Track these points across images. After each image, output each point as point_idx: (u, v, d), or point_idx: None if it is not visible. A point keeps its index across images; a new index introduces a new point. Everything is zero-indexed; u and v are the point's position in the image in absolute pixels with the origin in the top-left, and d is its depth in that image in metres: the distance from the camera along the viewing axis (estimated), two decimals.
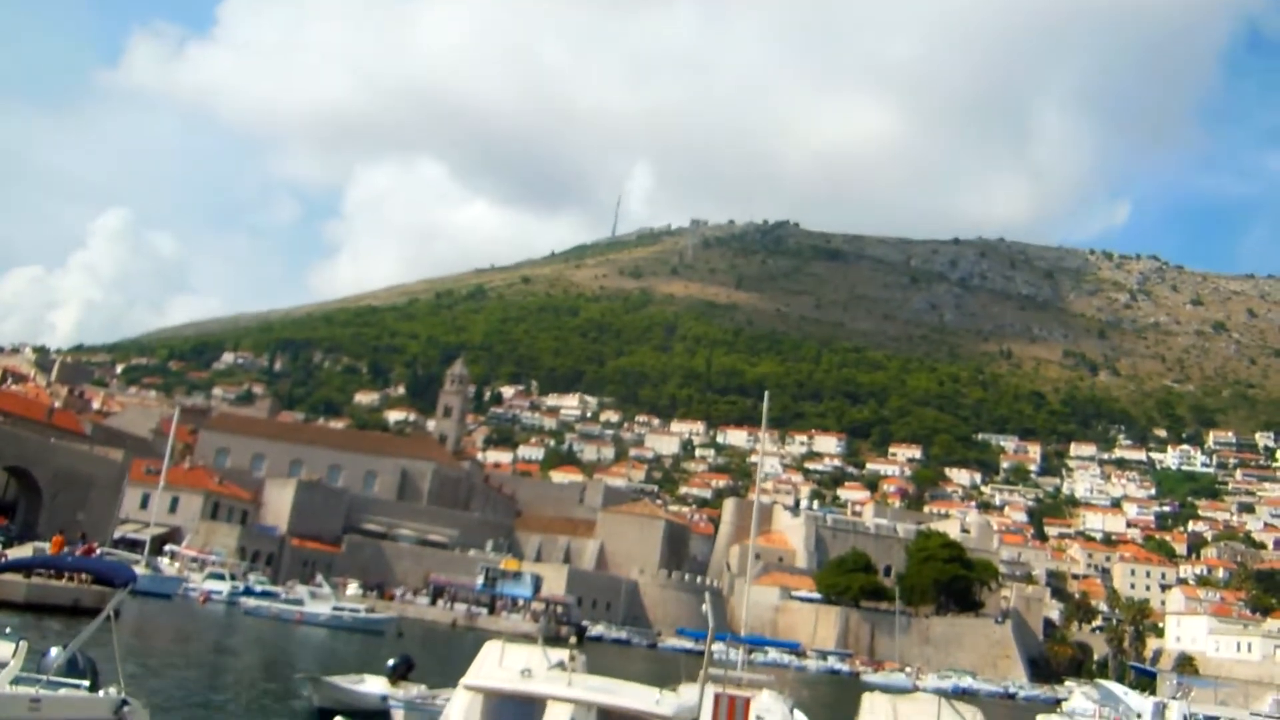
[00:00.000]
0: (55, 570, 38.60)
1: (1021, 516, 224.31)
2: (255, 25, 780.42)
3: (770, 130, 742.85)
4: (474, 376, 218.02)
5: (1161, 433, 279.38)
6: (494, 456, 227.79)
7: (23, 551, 46.59)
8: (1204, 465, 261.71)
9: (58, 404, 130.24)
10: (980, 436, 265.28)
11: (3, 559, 26.29)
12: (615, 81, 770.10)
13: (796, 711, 23.75)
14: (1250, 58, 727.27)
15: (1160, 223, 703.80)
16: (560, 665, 13.45)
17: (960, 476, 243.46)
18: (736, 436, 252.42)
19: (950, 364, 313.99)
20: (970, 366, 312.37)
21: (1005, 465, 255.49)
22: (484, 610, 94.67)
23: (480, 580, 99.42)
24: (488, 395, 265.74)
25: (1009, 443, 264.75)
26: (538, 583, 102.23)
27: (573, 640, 24.39)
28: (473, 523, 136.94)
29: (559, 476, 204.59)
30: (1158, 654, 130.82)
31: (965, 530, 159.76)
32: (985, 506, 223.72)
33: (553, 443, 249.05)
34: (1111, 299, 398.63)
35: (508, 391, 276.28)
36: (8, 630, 15.39)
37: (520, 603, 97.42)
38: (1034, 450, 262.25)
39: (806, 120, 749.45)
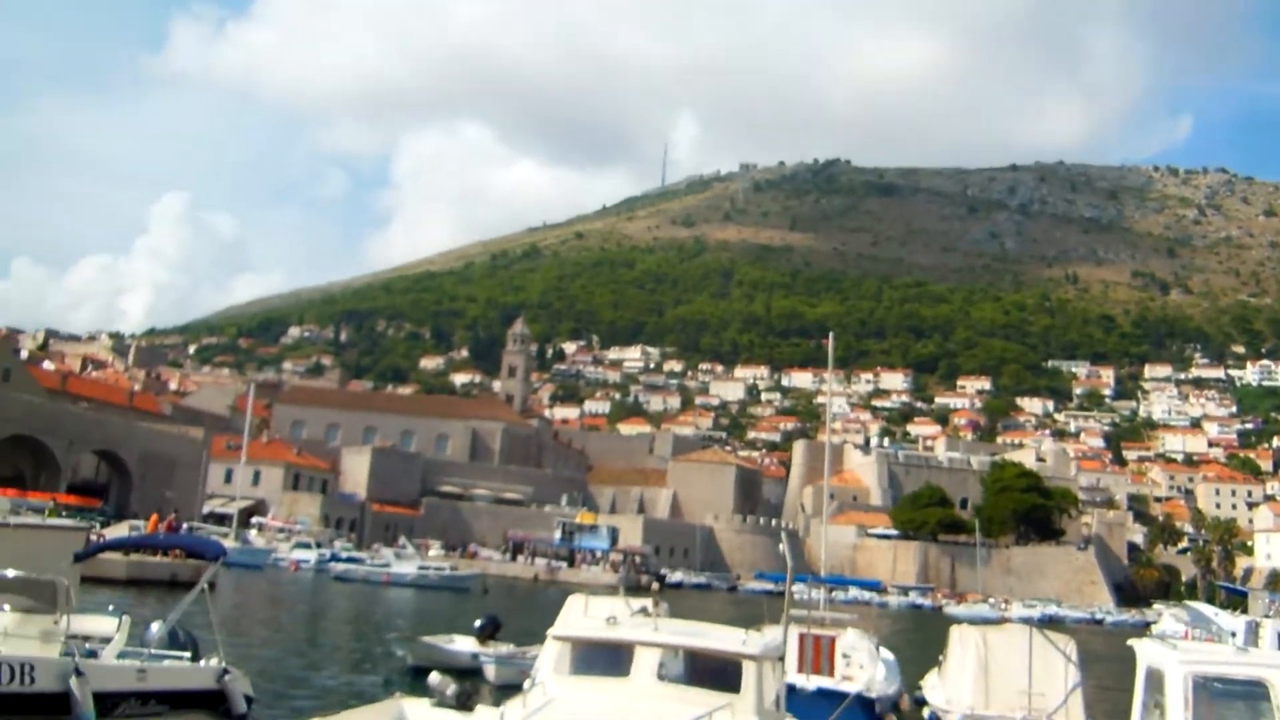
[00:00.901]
0: (149, 548, 39.84)
1: (1098, 442, 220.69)
2: (292, 1, 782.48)
3: (815, 68, 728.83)
4: (535, 335, 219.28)
5: (1239, 349, 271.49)
6: (561, 413, 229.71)
7: (119, 530, 48.14)
8: None
9: (137, 387, 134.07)
10: (1050, 364, 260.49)
11: (100, 539, 27.13)
12: (654, 31, 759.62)
13: (882, 648, 23.69)
14: None
15: (1225, 135, 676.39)
16: (644, 611, 13.48)
17: (1032, 405, 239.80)
18: (801, 378, 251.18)
19: (1015, 292, 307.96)
20: (1036, 293, 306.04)
21: (1078, 391, 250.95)
22: (563, 564, 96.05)
23: (558, 535, 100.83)
24: (550, 352, 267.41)
25: (1080, 368, 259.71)
26: (614, 534, 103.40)
27: (655, 588, 24.55)
28: (545, 479, 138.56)
29: (627, 429, 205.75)
30: (1248, 572, 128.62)
31: (1041, 459, 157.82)
32: (1060, 434, 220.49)
33: (618, 396, 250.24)
34: (1179, 215, 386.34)
35: (570, 348, 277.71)
36: (110, 607, 15.90)
37: (598, 555, 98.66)
38: (1107, 374, 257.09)
39: (851, 56, 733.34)
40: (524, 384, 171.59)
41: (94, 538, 26.77)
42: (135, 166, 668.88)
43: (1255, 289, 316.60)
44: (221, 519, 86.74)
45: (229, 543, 59.54)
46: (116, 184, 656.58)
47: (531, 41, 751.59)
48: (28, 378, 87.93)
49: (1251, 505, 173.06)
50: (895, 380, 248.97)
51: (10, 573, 13.36)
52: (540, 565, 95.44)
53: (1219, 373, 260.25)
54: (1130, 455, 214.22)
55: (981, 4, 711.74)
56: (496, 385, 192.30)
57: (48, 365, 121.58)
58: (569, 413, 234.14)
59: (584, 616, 12.94)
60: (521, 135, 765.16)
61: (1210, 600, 73.20)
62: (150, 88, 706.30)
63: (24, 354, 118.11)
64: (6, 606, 12.28)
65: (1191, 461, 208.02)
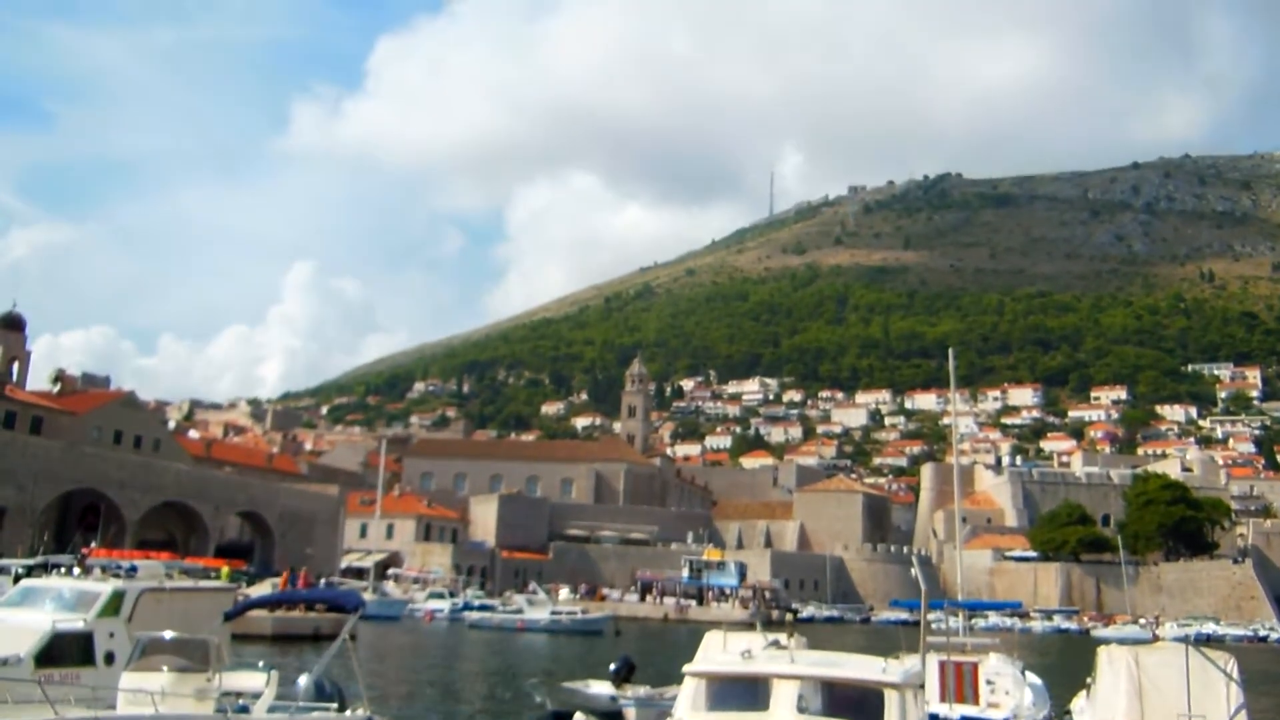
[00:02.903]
0: (292, 603, 41.32)
1: (1249, 447, 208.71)
2: (402, 72, 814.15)
3: (917, 84, 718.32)
4: (652, 374, 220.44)
5: None
6: (683, 450, 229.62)
7: (262, 588, 50.04)
8: None
9: (275, 449, 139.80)
10: (1190, 368, 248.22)
11: (246, 598, 28.28)
12: (751, 63, 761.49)
13: (1028, 673, 22.82)
14: None
15: None
16: (776, 644, 13.38)
17: (1174, 413, 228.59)
18: (925, 400, 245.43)
19: (1146, 295, 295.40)
20: (1169, 295, 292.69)
21: (1223, 395, 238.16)
22: (692, 602, 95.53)
23: (685, 572, 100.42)
24: (668, 390, 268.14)
25: (1224, 370, 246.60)
26: (743, 570, 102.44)
27: (789, 619, 24.22)
28: (670, 517, 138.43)
29: (749, 462, 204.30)
30: None
31: (1187, 468, 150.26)
32: (1206, 441, 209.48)
33: (739, 429, 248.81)
34: None
35: (687, 384, 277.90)
36: (260, 663, 16.52)
37: (728, 591, 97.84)
38: (1253, 375, 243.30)
39: (954, 66, 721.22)
40: (644, 423, 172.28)
41: (239, 597, 27.93)
42: (267, 240, 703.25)
43: None
44: (359, 573, 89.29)
45: (367, 595, 61.25)
46: (251, 258, 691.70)
47: (631, 87, 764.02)
48: (175, 447, 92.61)
49: None
50: (1024, 395, 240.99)
51: (167, 635, 14.04)
52: (669, 604, 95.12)
53: None
54: None
55: (1086, 1, 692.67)
56: (617, 426, 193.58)
57: (193, 434, 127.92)
58: (690, 449, 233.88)
59: (722, 651, 12.92)
60: (628, 180, 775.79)
61: None
62: (277, 166, 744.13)
63: (171, 424, 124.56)
64: (164, 667, 12.89)
65: None
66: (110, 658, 16.53)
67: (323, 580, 68.21)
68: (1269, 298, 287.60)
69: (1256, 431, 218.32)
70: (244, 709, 13.62)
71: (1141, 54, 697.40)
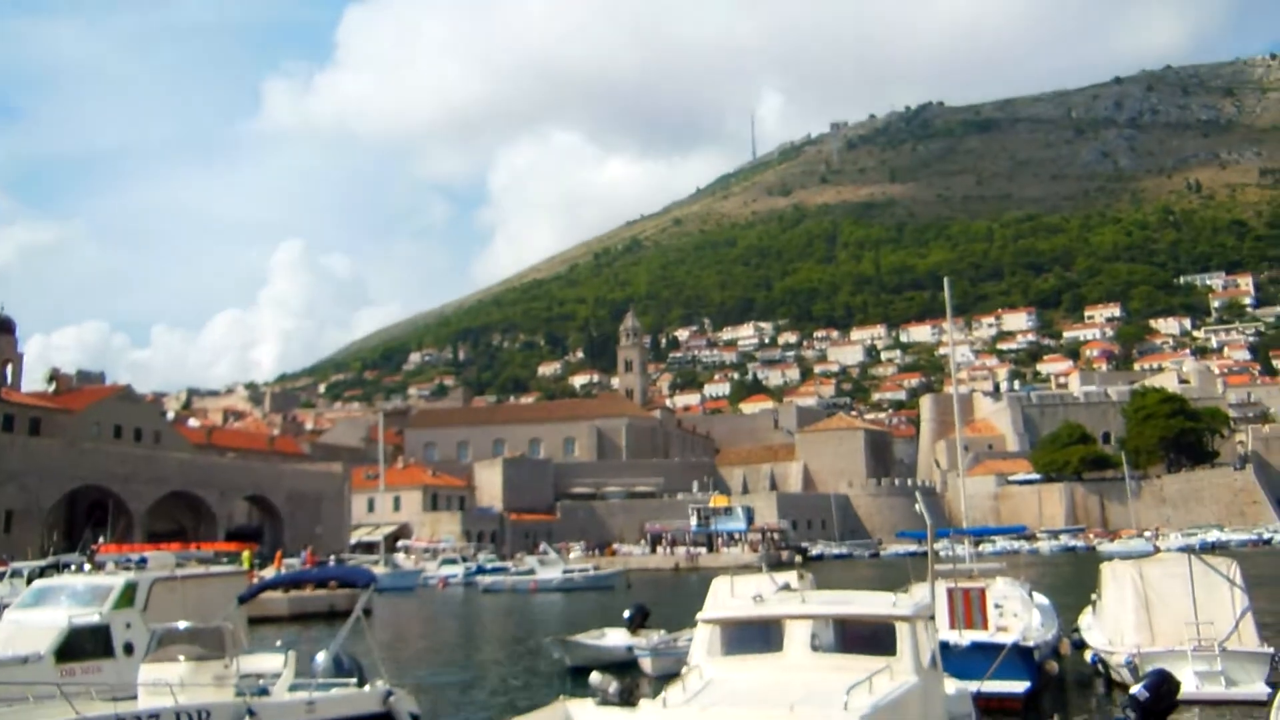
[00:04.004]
0: (304, 583, 41.71)
1: (1244, 354, 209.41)
2: (372, 41, 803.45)
3: (893, 15, 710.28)
4: (646, 327, 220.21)
5: None
6: (682, 400, 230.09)
7: (269, 571, 50.41)
8: None
9: (276, 432, 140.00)
10: (1183, 280, 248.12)
11: (259, 580, 28.54)
12: (724, 6, 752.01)
13: (1035, 594, 23.10)
14: None
15: None
16: (786, 586, 13.53)
17: (1168, 326, 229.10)
18: (920, 332, 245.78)
19: (1135, 211, 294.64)
20: (1158, 208, 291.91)
21: (1216, 304, 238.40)
22: (703, 550, 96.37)
23: (694, 521, 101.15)
24: (664, 342, 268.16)
25: (1216, 280, 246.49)
26: (750, 514, 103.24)
27: (798, 561, 24.43)
28: (674, 468, 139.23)
29: (749, 407, 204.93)
30: None
31: (1184, 380, 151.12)
32: (1202, 352, 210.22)
33: (737, 376, 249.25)
34: None
35: (682, 334, 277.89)
36: (278, 644, 16.71)
37: (737, 536, 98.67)
38: (1245, 282, 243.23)
39: None
40: (642, 377, 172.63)
41: (253, 579, 28.17)
42: (251, 223, 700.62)
43: None
44: (370, 547, 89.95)
45: (379, 569, 61.72)
46: (236, 242, 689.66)
47: (606, 40, 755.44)
48: (176, 437, 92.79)
49: None
50: (1019, 320, 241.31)
51: (181, 625, 14.16)
52: (680, 554, 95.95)
53: None
54: None
55: None
56: (615, 382, 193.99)
57: (193, 423, 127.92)
58: (690, 399, 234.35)
59: (731, 597, 13.06)
60: (609, 134, 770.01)
61: None
62: (254, 147, 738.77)
63: (170, 415, 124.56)
64: (181, 657, 13.02)
65: None
66: (130, 648, 16.73)
67: (332, 558, 68.72)
68: (1257, 204, 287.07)
69: (1251, 339, 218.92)
70: (264, 691, 13.78)
71: None
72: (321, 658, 15.54)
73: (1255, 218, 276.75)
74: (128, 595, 17.76)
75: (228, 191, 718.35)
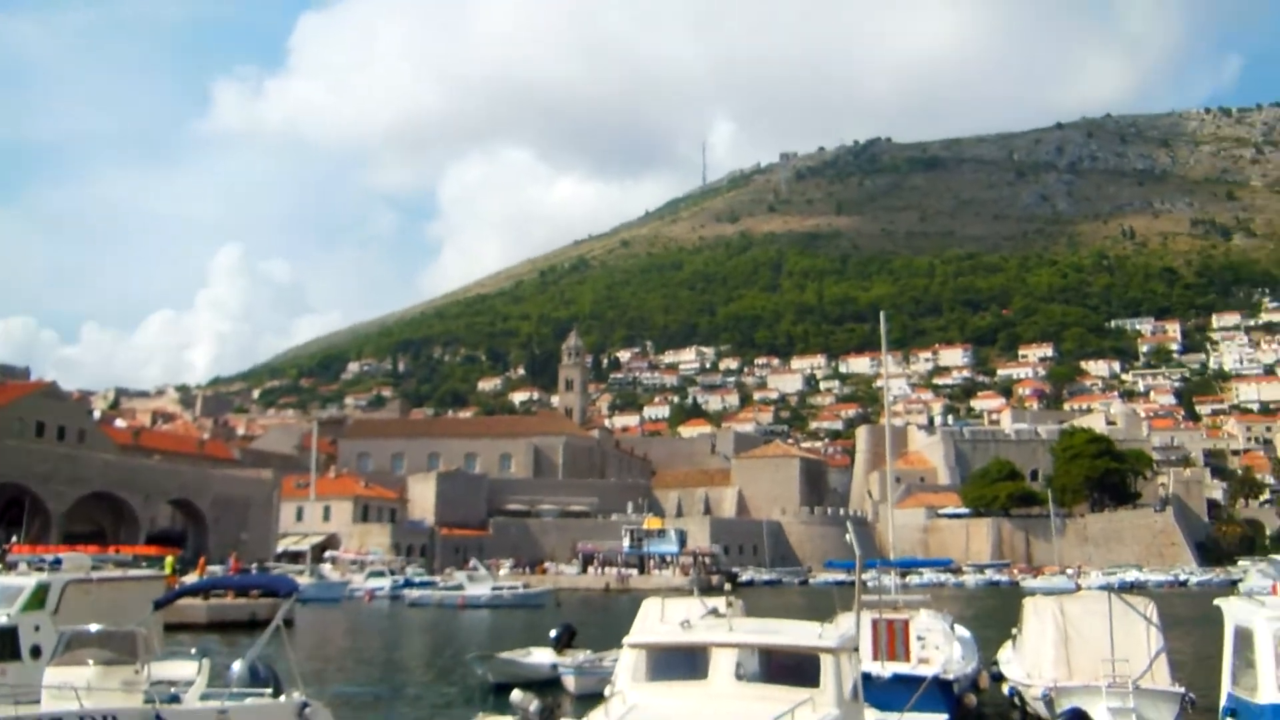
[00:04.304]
0: (225, 590, 40.76)
1: (1169, 399, 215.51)
2: (326, 48, 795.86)
3: (846, 51, 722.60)
4: (589, 346, 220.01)
5: None
6: (621, 421, 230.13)
7: (191, 577, 49.23)
8: None
9: (206, 436, 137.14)
10: (1113, 324, 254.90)
11: (179, 585, 27.84)
12: (681, 34, 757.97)
13: (957, 626, 23.42)
14: None
15: (1277, 69, 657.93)
16: (714, 613, 13.56)
17: (1098, 368, 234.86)
18: (859, 364, 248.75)
19: (1071, 254, 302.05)
20: (1093, 253, 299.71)
21: (1144, 349, 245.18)
22: (634, 571, 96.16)
23: (626, 543, 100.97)
24: (605, 362, 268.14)
25: (1145, 325, 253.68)
26: (683, 537, 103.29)
27: (728, 587, 24.54)
28: (610, 488, 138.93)
29: (687, 431, 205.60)
30: None
31: (1111, 422, 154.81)
32: (1129, 395, 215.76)
33: (676, 399, 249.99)
34: (1236, 157, 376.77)
35: (624, 355, 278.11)
36: (193, 651, 16.30)
37: (669, 559, 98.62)
38: (1173, 329, 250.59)
39: (882, 34, 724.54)
40: (582, 396, 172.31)
41: (174, 584, 27.49)
42: (192, 224, 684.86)
43: None
44: (296, 556, 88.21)
45: (304, 579, 60.60)
46: (176, 243, 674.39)
47: (560, 57, 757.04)
48: (101, 436, 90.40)
49: None
50: (955, 356, 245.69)
51: (93, 627, 13.78)
52: (611, 574, 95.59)
53: None
54: (1204, 410, 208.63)
55: None
56: (555, 400, 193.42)
57: (119, 423, 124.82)
58: (629, 420, 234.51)
59: (660, 621, 13.01)
60: (560, 152, 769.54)
61: None
62: (200, 148, 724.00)
63: (96, 414, 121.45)
64: (90, 661, 12.66)
65: (1269, 410, 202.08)
66: (36, 651, 16.20)
67: (255, 565, 67.33)
68: (1187, 253, 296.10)
69: (1176, 384, 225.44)
70: (174, 698, 13.42)
71: (1064, 14, 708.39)
72: (237, 666, 15.20)
73: (1185, 266, 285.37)
74: (38, 597, 17.25)
75: (171, 191, 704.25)
